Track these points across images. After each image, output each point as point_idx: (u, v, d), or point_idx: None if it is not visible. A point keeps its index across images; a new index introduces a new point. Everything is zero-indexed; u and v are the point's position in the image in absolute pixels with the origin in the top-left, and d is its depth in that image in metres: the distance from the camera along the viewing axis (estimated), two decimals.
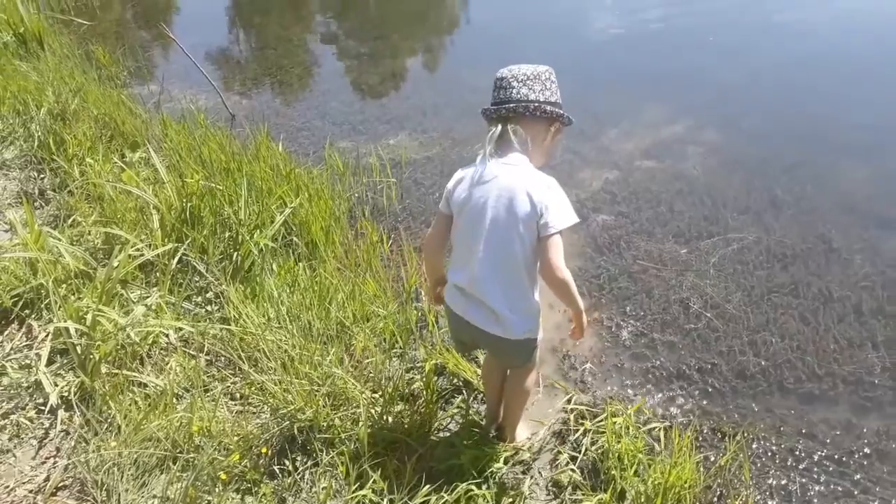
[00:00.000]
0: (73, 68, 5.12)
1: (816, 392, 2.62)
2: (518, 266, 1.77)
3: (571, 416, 2.44)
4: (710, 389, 2.64)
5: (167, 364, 2.50)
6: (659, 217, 3.68)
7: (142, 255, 2.82)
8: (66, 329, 2.34)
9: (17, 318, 2.69)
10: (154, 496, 2.02)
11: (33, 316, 2.70)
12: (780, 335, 2.87)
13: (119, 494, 1.99)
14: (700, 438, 2.40)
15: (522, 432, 2.32)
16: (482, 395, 2.45)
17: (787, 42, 6.10)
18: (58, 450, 2.21)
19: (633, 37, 6.54)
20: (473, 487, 2.02)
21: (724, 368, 2.72)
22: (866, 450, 2.37)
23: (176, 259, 2.86)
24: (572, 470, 2.20)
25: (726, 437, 2.39)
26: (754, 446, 2.39)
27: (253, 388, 2.39)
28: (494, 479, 2.12)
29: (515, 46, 6.12)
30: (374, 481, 1.99)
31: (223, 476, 2.04)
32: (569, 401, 2.51)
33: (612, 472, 2.14)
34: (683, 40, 6.31)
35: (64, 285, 2.71)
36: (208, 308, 2.82)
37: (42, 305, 2.71)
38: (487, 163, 1.79)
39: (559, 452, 2.29)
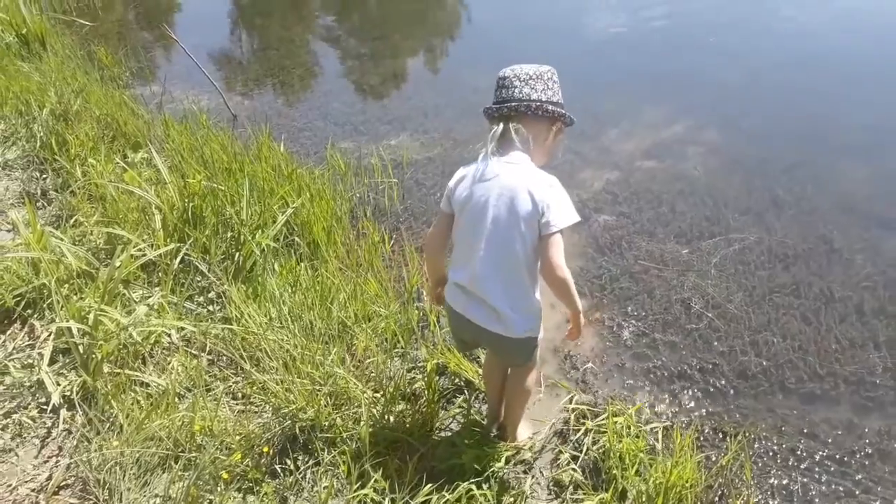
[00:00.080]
0: (75, 69, 5.13)
1: (818, 392, 2.62)
2: (519, 265, 1.77)
3: (573, 416, 2.44)
4: (711, 389, 2.64)
5: (169, 364, 2.50)
6: (660, 217, 3.68)
7: (144, 255, 2.82)
8: (69, 329, 2.35)
9: (19, 317, 2.70)
10: (156, 495, 2.02)
11: (36, 316, 2.71)
12: (781, 335, 2.87)
13: (121, 493, 2.00)
14: (701, 438, 2.41)
15: (524, 432, 2.33)
16: (483, 394, 2.45)
17: (787, 42, 6.10)
18: (60, 449, 2.22)
19: (633, 37, 6.54)
20: (475, 487, 2.02)
21: (726, 368, 2.72)
22: (868, 450, 2.37)
23: (178, 259, 2.87)
24: (573, 469, 2.20)
25: (728, 437, 2.39)
26: (756, 446, 2.39)
27: (255, 388, 2.39)
28: (496, 478, 2.12)
29: (516, 47, 6.12)
30: (376, 480, 2.00)
31: (225, 475, 2.05)
32: (570, 400, 2.52)
33: (614, 472, 2.15)
34: (684, 41, 6.31)
35: (66, 285, 2.72)
36: (210, 308, 2.83)
37: (44, 305, 2.72)
38: (489, 161, 1.79)
39: (560, 452, 2.29)
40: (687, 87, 5.31)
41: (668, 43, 6.26)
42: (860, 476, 2.28)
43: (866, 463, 2.33)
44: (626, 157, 4.30)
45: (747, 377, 2.68)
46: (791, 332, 2.88)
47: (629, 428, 2.29)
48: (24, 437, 2.26)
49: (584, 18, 7.20)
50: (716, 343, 2.84)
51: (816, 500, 2.21)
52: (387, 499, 1.98)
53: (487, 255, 1.78)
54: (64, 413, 2.31)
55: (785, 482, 2.26)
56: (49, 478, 2.12)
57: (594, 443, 2.30)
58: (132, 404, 2.25)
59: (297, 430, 2.23)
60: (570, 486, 2.16)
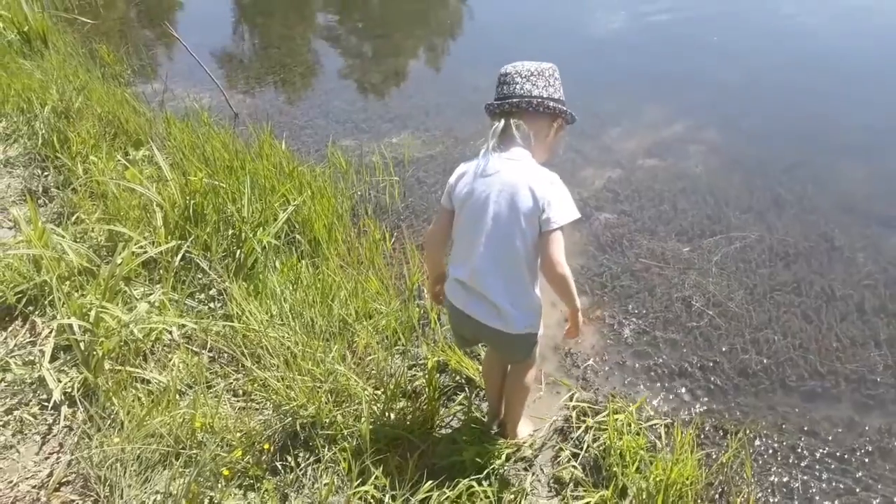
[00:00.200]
0: (76, 67, 5.13)
1: (819, 390, 2.62)
2: (519, 261, 1.77)
3: (573, 413, 2.44)
4: (712, 387, 2.64)
5: (170, 361, 2.51)
6: (661, 215, 3.68)
7: (145, 252, 2.83)
8: (70, 326, 2.35)
9: (20, 314, 2.71)
10: (157, 492, 2.03)
11: (37, 312, 2.71)
12: (782, 333, 2.87)
13: (122, 490, 2.00)
14: (702, 436, 2.41)
15: (524, 429, 2.33)
16: (484, 391, 2.46)
17: (788, 42, 6.09)
18: (61, 445, 2.22)
19: (634, 37, 6.54)
20: (475, 484, 2.02)
21: (727, 366, 2.72)
22: (868, 447, 2.37)
23: (179, 256, 2.87)
24: (574, 467, 2.20)
25: (728, 435, 2.39)
26: (756, 443, 2.39)
27: (255, 385, 2.40)
28: (496, 475, 2.12)
29: (518, 46, 6.11)
30: (377, 477, 2.00)
31: (226, 472, 2.05)
32: (571, 398, 2.52)
33: (614, 469, 2.15)
34: (686, 40, 6.30)
35: (67, 282, 2.72)
36: (211, 305, 2.83)
37: (46, 302, 2.72)
38: (490, 157, 1.79)
39: (561, 449, 2.29)
40: (688, 86, 5.30)
41: (670, 43, 6.26)
42: (860, 474, 2.28)
43: (867, 461, 2.33)
44: (628, 155, 4.30)
45: (748, 375, 2.68)
46: (792, 330, 2.88)
47: (630, 425, 2.29)
48: (26, 434, 2.26)
49: (584, 18, 7.19)
50: (716, 341, 2.84)
51: (817, 498, 2.21)
52: (387, 495, 1.98)
53: (487, 251, 1.78)
54: (65, 410, 2.31)
55: (785, 480, 2.26)
56: (50, 474, 2.12)
57: (595, 440, 2.30)
58: (133, 401, 2.26)
59: (298, 427, 2.23)
60: (571, 484, 2.16)
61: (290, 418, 2.25)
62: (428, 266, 2.13)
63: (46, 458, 2.19)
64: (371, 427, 2.16)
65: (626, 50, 6.18)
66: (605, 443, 2.25)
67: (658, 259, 3.33)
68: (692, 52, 6.03)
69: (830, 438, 2.41)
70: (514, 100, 1.77)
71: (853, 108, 4.74)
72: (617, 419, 2.28)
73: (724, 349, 2.80)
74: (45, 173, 3.85)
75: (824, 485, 2.25)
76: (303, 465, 2.15)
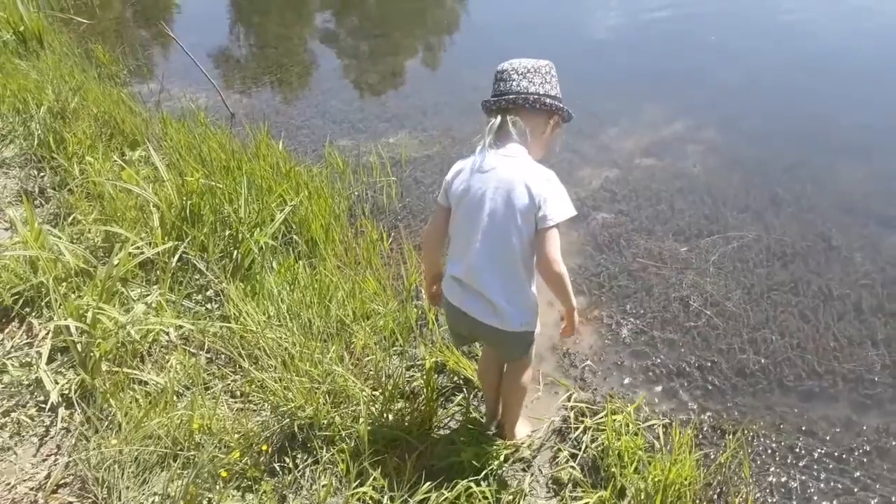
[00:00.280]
0: (72, 67, 5.12)
1: (816, 389, 2.62)
2: (515, 258, 1.77)
3: (571, 414, 2.44)
4: (710, 387, 2.64)
5: (167, 362, 2.50)
6: (659, 215, 3.68)
7: (142, 253, 2.82)
8: (67, 327, 2.35)
9: (17, 315, 2.70)
10: (155, 493, 2.02)
11: (34, 314, 2.70)
12: (780, 333, 2.87)
13: (119, 492, 2.00)
14: (700, 436, 2.41)
15: (522, 430, 2.32)
16: (482, 392, 2.45)
17: (787, 42, 6.10)
18: (58, 447, 2.22)
19: (633, 36, 6.55)
20: (473, 485, 2.02)
21: (724, 366, 2.72)
22: (866, 447, 2.38)
23: (176, 257, 2.86)
24: (572, 467, 2.20)
25: (726, 435, 2.39)
26: (754, 443, 2.39)
27: (253, 386, 2.39)
28: (495, 476, 2.12)
29: (516, 46, 6.05)
30: (375, 478, 2.00)
31: (224, 473, 2.05)
32: (569, 398, 2.52)
33: (613, 470, 2.15)
34: (684, 40, 6.31)
35: (64, 283, 2.71)
36: (208, 306, 2.83)
37: (42, 303, 2.71)
38: (486, 154, 1.79)
39: (559, 450, 2.29)
40: (687, 86, 5.30)
41: (668, 42, 6.26)
42: (858, 473, 2.29)
43: (864, 460, 2.33)
44: (626, 155, 4.30)
45: (746, 375, 2.69)
46: (789, 330, 2.88)
47: (628, 426, 2.29)
48: (23, 436, 2.25)
49: (583, 17, 7.19)
50: (714, 341, 2.85)
51: (815, 498, 2.21)
52: (385, 497, 1.97)
53: (483, 248, 1.78)
54: (62, 411, 2.30)
55: (783, 479, 2.26)
56: (47, 476, 2.11)
57: (593, 440, 2.30)
58: (130, 402, 2.25)
59: (296, 429, 2.22)
60: (569, 484, 2.16)
61: (287, 419, 2.24)
62: (425, 265, 2.12)
63: (44, 460, 2.18)
64: (369, 428, 2.15)
65: (625, 49, 6.18)
66: (603, 443, 2.25)
67: (655, 259, 3.33)
68: (691, 52, 6.03)
69: (828, 438, 2.41)
70: (511, 96, 1.77)
71: (852, 108, 4.74)
72: (615, 419, 2.28)
73: (721, 349, 2.80)
74: (42, 174, 3.84)
75: (822, 485, 2.25)
76: (301, 466, 2.15)
